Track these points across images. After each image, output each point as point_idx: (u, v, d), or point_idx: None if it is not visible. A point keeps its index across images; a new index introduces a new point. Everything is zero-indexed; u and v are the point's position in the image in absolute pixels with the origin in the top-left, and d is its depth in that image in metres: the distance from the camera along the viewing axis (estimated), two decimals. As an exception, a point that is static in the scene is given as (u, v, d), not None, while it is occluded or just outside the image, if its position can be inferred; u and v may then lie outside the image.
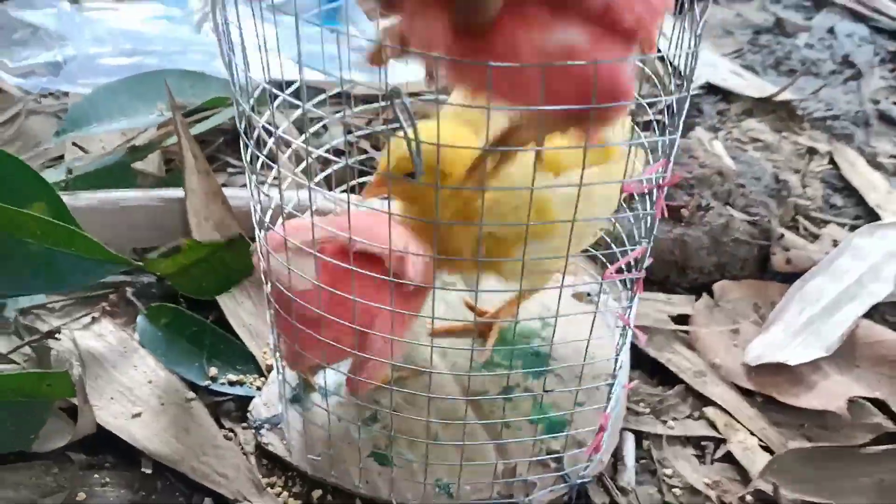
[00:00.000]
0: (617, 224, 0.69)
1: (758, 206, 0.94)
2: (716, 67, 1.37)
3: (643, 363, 0.81)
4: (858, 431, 0.75)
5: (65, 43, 1.04)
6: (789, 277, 0.89)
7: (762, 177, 1.00)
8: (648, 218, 0.56)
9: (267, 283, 0.62)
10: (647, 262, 0.56)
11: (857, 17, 1.60)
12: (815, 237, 0.99)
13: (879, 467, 0.70)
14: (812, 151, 1.17)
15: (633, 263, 0.56)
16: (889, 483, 0.69)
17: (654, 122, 0.62)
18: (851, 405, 0.75)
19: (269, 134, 0.59)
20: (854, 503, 0.69)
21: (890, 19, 1.57)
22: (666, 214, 0.57)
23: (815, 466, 0.70)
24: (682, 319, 0.85)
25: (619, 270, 0.55)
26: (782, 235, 0.92)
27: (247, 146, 0.56)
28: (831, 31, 1.56)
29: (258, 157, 0.56)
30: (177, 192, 0.83)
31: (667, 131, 0.53)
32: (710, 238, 0.89)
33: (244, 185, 0.97)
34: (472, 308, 0.80)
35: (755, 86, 1.32)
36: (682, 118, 0.55)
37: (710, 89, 1.31)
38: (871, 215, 1.04)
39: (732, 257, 0.89)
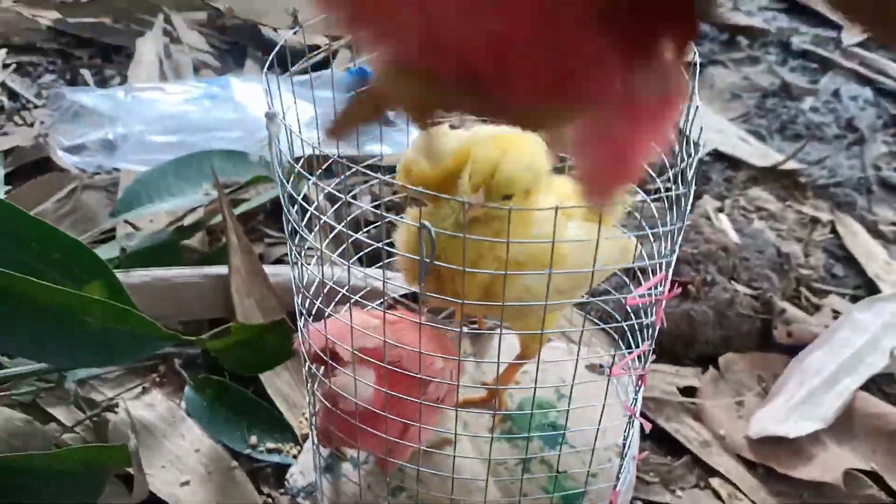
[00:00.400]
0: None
1: (761, 279, 1.00)
2: (724, 133, 1.43)
3: (653, 435, 0.86)
4: (853, 502, 0.80)
5: (116, 122, 1.12)
6: (792, 349, 0.95)
7: (765, 250, 1.06)
8: (649, 325, 0.62)
9: (305, 361, 0.68)
10: (650, 359, 0.62)
11: (863, 79, 1.66)
12: (817, 308, 1.04)
13: (873, 537, 0.76)
14: (815, 221, 1.23)
15: (638, 360, 0.62)
16: (882, 552, 0.75)
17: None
18: (847, 477, 0.80)
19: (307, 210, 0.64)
20: (849, 571, 0.74)
21: (894, 81, 1.63)
22: (665, 324, 0.62)
23: (813, 536, 0.76)
24: (689, 391, 0.91)
25: (626, 367, 0.61)
26: (784, 310, 0.97)
27: (289, 221, 0.62)
28: (836, 93, 1.62)
29: (302, 239, 0.62)
30: (221, 269, 0.90)
31: (667, 251, 0.59)
32: (715, 312, 0.95)
33: (281, 257, 1.04)
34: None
35: (760, 153, 1.38)
36: (684, 220, 0.60)
37: (717, 157, 1.37)
38: (871, 285, 1.09)
39: (737, 331, 0.95)
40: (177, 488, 0.75)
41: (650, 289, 0.59)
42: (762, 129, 1.50)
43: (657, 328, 0.60)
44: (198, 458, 0.78)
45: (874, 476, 0.81)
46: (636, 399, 0.64)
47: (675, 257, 0.57)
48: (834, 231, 1.21)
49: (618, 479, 0.69)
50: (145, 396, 0.84)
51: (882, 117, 1.55)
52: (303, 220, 0.62)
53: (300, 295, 0.66)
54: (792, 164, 1.33)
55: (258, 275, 0.88)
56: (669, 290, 0.58)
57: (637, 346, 0.63)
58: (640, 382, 0.63)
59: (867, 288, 1.09)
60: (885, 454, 0.84)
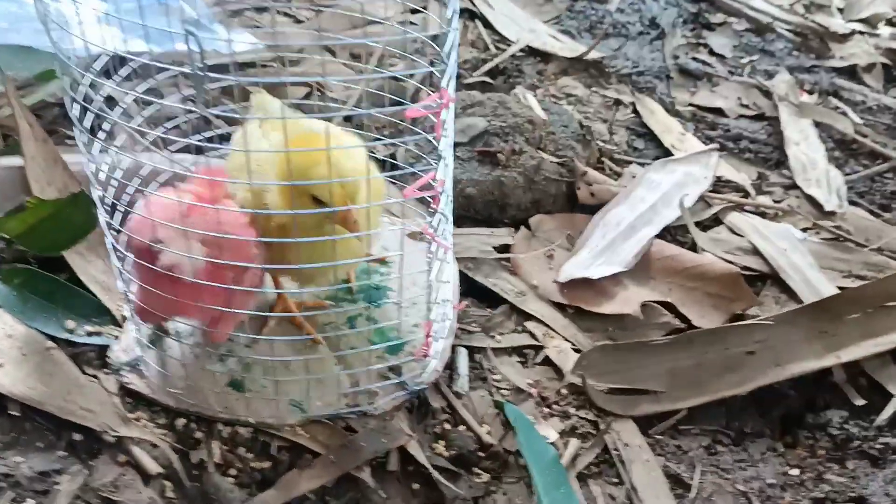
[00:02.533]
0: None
1: (566, 149, 1.06)
2: (536, 32, 1.49)
3: (473, 290, 0.91)
4: (652, 330, 0.88)
5: None
6: (595, 209, 1.02)
7: (569, 124, 1.12)
8: (434, 143, 0.66)
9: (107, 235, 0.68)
10: (440, 180, 0.65)
11: (664, -18, 1.76)
12: (619, 175, 1.12)
13: (669, 356, 0.83)
14: (618, 103, 1.31)
15: (430, 184, 0.65)
16: (678, 368, 0.83)
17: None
18: (645, 308, 0.88)
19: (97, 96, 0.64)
20: (650, 386, 0.81)
21: (692, -18, 1.74)
22: (441, 136, 0.65)
23: (616, 360, 0.83)
24: (504, 249, 0.96)
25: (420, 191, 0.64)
26: (585, 172, 1.04)
27: (79, 106, 0.62)
28: (640, -6, 1.72)
29: (87, 115, 0.62)
30: (17, 161, 0.86)
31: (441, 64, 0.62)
32: (524, 178, 1.00)
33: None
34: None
35: (570, 48, 1.45)
36: (453, 51, 0.63)
37: (531, 52, 1.43)
38: (668, 155, 1.18)
39: (545, 194, 1.01)
40: (-11, 371, 0.72)
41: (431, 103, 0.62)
42: (573, 30, 1.56)
43: (440, 145, 0.64)
44: (11, 343, 0.75)
45: (668, 306, 0.89)
46: (430, 221, 0.68)
47: (451, 67, 0.60)
48: (635, 111, 1.29)
49: (429, 309, 0.73)
50: (-52, 291, 0.80)
51: (682, 15, 1.66)
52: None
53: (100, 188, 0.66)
54: (598, 55, 1.40)
55: (56, 161, 0.85)
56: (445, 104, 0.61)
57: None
58: (433, 203, 0.67)
59: (665, 157, 1.18)
60: (678, 289, 0.92)
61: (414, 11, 1.28)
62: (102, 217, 0.69)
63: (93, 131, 0.65)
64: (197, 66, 0.49)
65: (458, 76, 0.91)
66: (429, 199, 0.66)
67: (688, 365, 0.83)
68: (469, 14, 1.49)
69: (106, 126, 0.68)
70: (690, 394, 0.81)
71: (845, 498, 0.74)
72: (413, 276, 0.72)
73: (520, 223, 1.00)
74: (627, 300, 0.89)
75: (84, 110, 0.63)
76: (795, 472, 0.77)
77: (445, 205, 0.70)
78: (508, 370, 0.83)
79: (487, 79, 1.31)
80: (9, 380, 0.72)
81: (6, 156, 0.88)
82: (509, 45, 1.41)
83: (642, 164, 1.15)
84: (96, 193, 0.68)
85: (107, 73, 0.68)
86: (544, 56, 1.42)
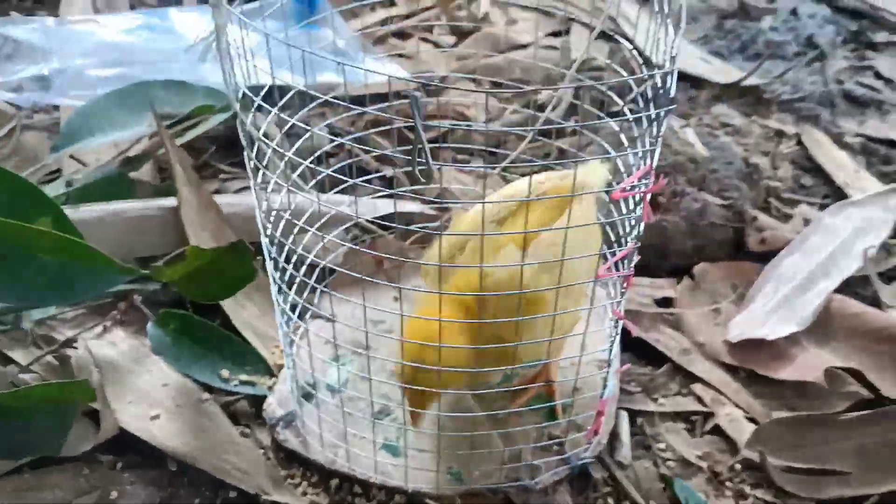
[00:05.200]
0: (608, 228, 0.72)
1: (730, 189, 0.99)
2: (684, 54, 1.41)
3: (633, 346, 0.85)
4: (837, 400, 0.80)
5: (50, 57, 1.06)
6: (765, 257, 0.94)
7: (733, 161, 1.04)
8: (634, 220, 0.60)
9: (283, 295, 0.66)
10: (635, 259, 0.60)
11: (819, -3, 1.65)
12: (788, 217, 1.04)
13: (857, 432, 0.75)
14: (780, 134, 1.22)
15: (622, 262, 0.60)
16: (867, 446, 0.74)
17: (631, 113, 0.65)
18: (829, 376, 0.80)
19: (263, 138, 0.62)
20: (836, 466, 0.74)
21: (850, -2, 1.63)
22: (652, 219, 0.60)
23: (797, 434, 0.75)
24: (666, 302, 0.90)
25: (610, 269, 0.59)
26: (755, 217, 0.96)
27: (243, 150, 0.60)
28: (794, 12, 1.61)
29: (260, 155, 0.60)
30: (172, 202, 0.86)
31: (647, 142, 0.57)
32: (687, 223, 0.94)
33: (238, 191, 1.00)
34: None
35: (722, 71, 1.36)
36: (662, 128, 0.58)
37: (680, 77, 1.35)
38: (839, 193, 1.09)
39: (709, 240, 0.94)
40: (147, 422, 0.72)
41: (635, 182, 0.57)
42: (723, 50, 1.48)
43: (642, 224, 0.59)
44: (167, 393, 0.75)
45: (856, 374, 0.81)
46: (620, 301, 0.63)
47: (658, 146, 0.55)
48: (800, 143, 1.20)
49: (604, 387, 0.68)
50: (106, 335, 0.80)
51: (841, 34, 1.54)
52: (254, 152, 0.60)
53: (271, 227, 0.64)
54: (755, 81, 1.32)
55: (210, 206, 0.84)
56: (654, 184, 0.56)
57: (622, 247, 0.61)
58: (625, 284, 0.62)
59: (836, 196, 1.08)
60: (864, 353, 0.83)
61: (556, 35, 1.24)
62: (269, 260, 0.67)
63: (262, 168, 0.63)
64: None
65: (603, 103, 0.86)
66: (621, 279, 0.61)
67: (880, 443, 0.74)
68: (608, 35, 1.42)
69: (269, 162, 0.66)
70: (883, 478, 0.73)
71: None
72: (576, 338, 0.67)
73: (682, 272, 0.93)
74: (808, 365, 0.81)
75: (255, 147, 0.61)
76: None
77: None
78: (674, 439, 0.77)
79: (634, 107, 1.25)
80: (164, 433, 0.72)
81: (164, 196, 0.88)
82: (656, 69, 1.34)
83: (812, 205, 1.06)
84: (264, 238, 0.66)
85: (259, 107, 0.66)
86: (695, 81, 1.34)
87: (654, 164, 0.58)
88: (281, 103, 0.62)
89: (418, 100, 0.44)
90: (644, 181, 0.57)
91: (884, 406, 0.78)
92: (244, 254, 0.75)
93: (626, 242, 0.64)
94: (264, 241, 0.67)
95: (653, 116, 0.58)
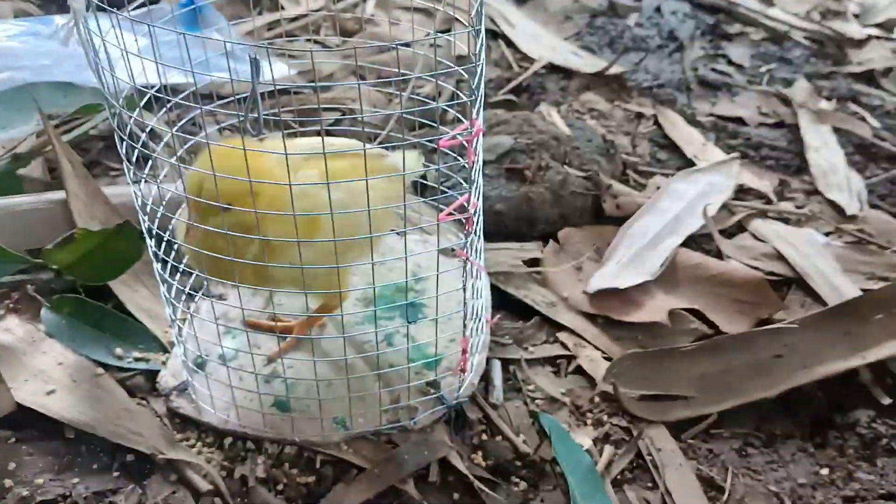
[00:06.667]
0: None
1: (590, 163, 1.09)
2: (557, 49, 1.52)
3: (506, 303, 0.93)
4: (682, 337, 0.89)
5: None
6: (622, 221, 1.04)
7: (593, 139, 1.14)
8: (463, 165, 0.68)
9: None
10: (476, 205, 0.67)
11: (681, -5, 1.78)
12: (643, 186, 1.14)
13: (698, 362, 0.85)
14: (640, 115, 1.33)
15: (464, 207, 0.67)
16: (707, 373, 0.84)
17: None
18: (673, 316, 0.90)
19: (141, 130, 0.67)
20: (681, 392, 0.83)
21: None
22: (473, 162, 0.68)
23: (646, 367, 0.84)
24: (534, 263, 0.98)
25: (451, 215, 0.66)
26: (610, 185, 1.06)
27: (122, 140, 0.65)
28: (658, 9, 1.74)
29: (134, 150, 0.65)
30: (62, 195, 0.90)
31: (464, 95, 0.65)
32: (551, 193, 1.03)
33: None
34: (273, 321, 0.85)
35: (591, 63, 1.47)
36: (481, 81, 0.66)
37: (553, 69, 1.45)
38: (690, 165, 1.20)
39: (572, 208, 1.03)
40: (43, 397, 0.76)
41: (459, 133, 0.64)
42: (593, 45, 1.59)
43: (473, 170, 0.66)
44: (62, 371, 0.79)
45: (697, 314, 0.91)
46: (466, 243, 0.70)
47: (480, 96, 0.63)
48: (657, 123, 1.31)
49: (465, 326, 0.75)
50: (0, 323, 0.83)
51: (700, 27, 1.68)
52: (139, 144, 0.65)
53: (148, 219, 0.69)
54: (619, 70, 1.42)
55: (97, 196, 0.89)
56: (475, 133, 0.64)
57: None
58: (466, 227, 0.69)
59: (687, 168, 1.19)
60: (705, 296, 0.94)
61: (445, 31, 1.32)
62: (150, 248, 0.72)
63: (139, 163, 0.68)
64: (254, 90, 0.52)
65: (484, 95, 0.94)
66: (462, 221, 0.69)
67: (717, 370, 0.84)
68: (491, 34, 1.52)
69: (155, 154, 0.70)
70: (721, 398, 0.82)
71: (875, 495, 0.75)
72: (448, 293, 0.75)
73: (548, 237, 1.02)
74: (655, 308, 0.90)
75: (129, 145, 0.66)
76: (826, 471, 0.78)
77: (477, 225, 0.73)
78: (542, 380, 0.85)
79: (512, 97, 1.34)
80: (61, 405, 0.76)
81: (52, 191, 0.92)
82: (532, 63, 1.44)
83: (666, 175, 1.17)
84: (144, 225, 0.72)
85: (148, 105, 0.71)
86: (566, 72, 1.45)
87: (477, 114, 0.64)
88: (175, 100, 0.67)
89: (258, 62, 0.51)
90: (467, 131, 0.65)
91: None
92: (131, 234, 0.80)
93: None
94: (145, 232, 0.71)
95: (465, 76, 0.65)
